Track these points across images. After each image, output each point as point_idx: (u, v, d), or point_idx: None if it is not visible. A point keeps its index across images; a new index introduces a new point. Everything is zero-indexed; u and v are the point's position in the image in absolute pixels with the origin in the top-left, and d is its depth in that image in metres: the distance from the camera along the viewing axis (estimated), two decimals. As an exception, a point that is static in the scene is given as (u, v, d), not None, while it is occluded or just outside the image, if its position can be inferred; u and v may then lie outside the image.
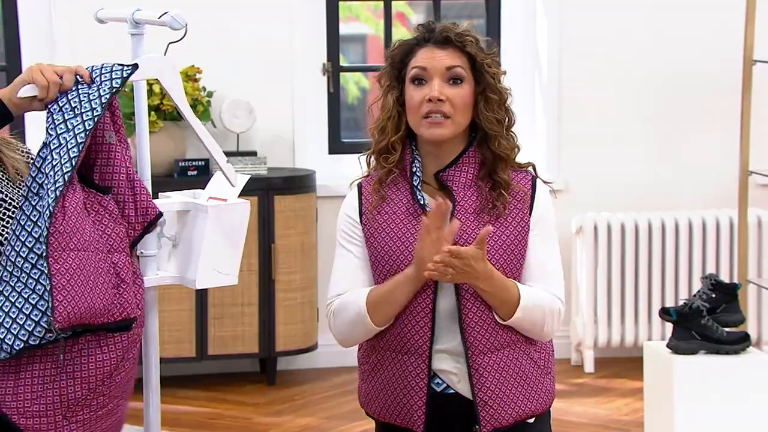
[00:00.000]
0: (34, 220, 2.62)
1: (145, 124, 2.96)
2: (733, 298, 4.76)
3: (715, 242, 6.39)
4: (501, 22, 6.61)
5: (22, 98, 2.66)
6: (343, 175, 6.48)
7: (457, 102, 2.77)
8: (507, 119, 2.84)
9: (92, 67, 2.79)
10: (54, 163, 2.64)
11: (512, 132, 2.86)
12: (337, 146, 6.62)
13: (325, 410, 5.83)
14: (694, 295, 4.79)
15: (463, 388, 2.80)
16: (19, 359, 2.63)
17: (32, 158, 2.83)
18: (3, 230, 2.69)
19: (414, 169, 2.84)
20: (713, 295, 4.72)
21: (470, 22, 2.88)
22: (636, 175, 6.61)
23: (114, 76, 2.76)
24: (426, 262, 2.69)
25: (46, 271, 2.57)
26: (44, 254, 2.58)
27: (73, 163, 2.64)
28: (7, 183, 2.76)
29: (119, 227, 2.73)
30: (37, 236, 2.60)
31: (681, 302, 4.83)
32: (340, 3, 6.59)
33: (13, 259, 2.62)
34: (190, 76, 5.96)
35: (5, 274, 2.63)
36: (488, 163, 2.82)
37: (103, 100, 2.70)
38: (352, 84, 7.20)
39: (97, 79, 2.76)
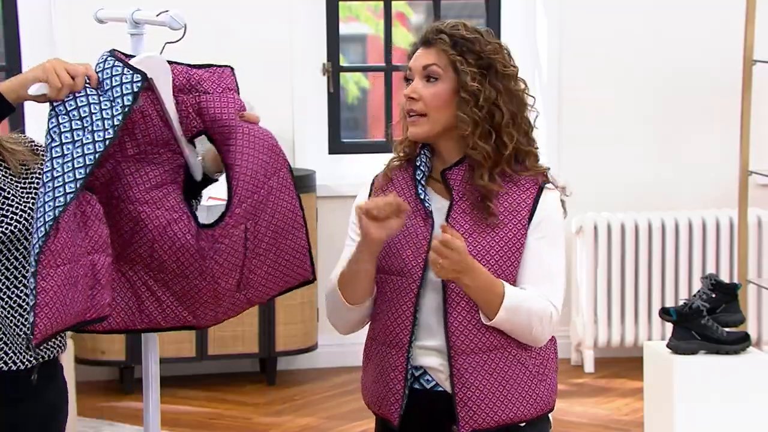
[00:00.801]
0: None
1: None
2: (733, 298, 4.76)
3: (715, 242, 6.39)
4: (501, 22, 6.61)
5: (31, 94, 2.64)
6: (343, 175, 6.49)
7: (430, 100, 2.79)
8: (490, 119, 2.79)
9: (100, 66, 2.76)
10: (56, 175, 2.58)
11: (508, 133, 2.81)
12: (337, 146, 6.62)
13: (325, 410, 5.83)
14: (694, 295, 4.79)
15: (450, 386, 2.81)
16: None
17: (37, 146, 2.83)
18: (7, 228, 2.69)
19: (419, 164, 2.85)
20: (713, 295, 4.72)
21: (463, 21, 2.88)
22: (636, 175, 6.61)
23: (125, 91, 2.72)
24: (368, 228, 2.75)
25: (33, 288, 2.53)
26: (34, 272, 2.53)
27: (78, 185, 2.58)
28: (10, 179, 2.76)
29: (102, 227, 2.70)
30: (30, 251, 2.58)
31: (681, 302, 4.83)
32: (340, 3, 6.59)
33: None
34: (190, 76, 5.96)
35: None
36: (475, 167, 2.81)
37: (116, 122, 2.66)
38: (352, 84, 7.19)
39: (106, 83, 2.73)
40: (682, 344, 4.63)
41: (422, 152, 2.87)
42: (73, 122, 2.65)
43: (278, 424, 5.62)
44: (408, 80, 2.85)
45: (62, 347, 2.81)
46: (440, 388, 2.81)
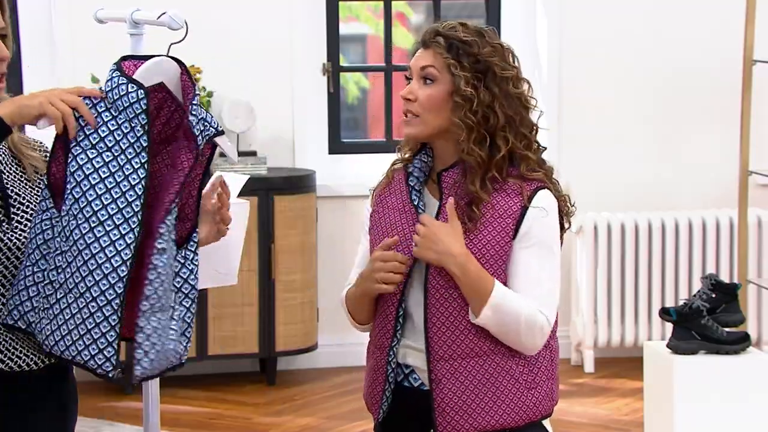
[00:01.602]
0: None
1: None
2: (733, 298, 4.76)
3: (715, 242, 6.39)
4: (501, 22, 6.61)
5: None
6: (343, 175, 6.49)
7: (424, 101, 2.79)
8: (483, 123, 2.76)
9: (109, 85, 2.74)
10: (111, 213, 2.65)
11: (503, 137, 2.76)
12: (337, 146, 6.62)
13: (325, 410, 5.83)
14: (694, 295, 4.78)
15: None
16: None
17: (47, 153, 2.81)
18: (21, 234, 2.68)
19: (415, 164, 2.86)
20: (713, 295, 4.72)
21: (461, 21, 2.88)
22: (636, 175, 6.61)
23: (137, 110, 2.70)
24: (367, 275, 2.79)
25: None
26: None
27: (139, 218, 2.65)
28: (26, 183, 2.75)
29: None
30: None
31: (681, 302, 4.82)
32: (340, 3, 6.59)
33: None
34: (190, 76, 5.96)
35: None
36: (467, 172, 2.79)
37: (144, 143, 2.65)
38: (352, 84, 7.20)
39: (119, 104, 2.71)
40: (682, 344, 4.62)
41: (423, 152, 2.87)
42: (103, 154, 2.67)
43: (278, 424, 5.62)
44: (409, 80, 2.85)
45: None
46: (426, 388, 2.82)
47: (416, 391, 2.83)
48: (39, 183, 2.76)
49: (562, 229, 2.85)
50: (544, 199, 2.79)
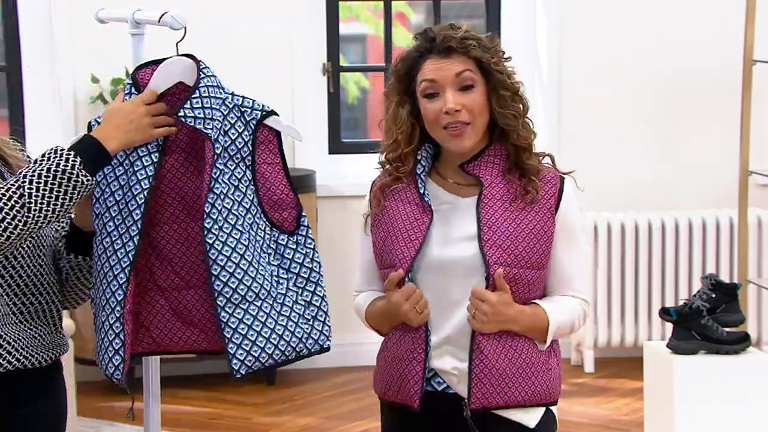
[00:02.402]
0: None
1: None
2: (733, 298, 4.76)
3: (715, 242, 6.39)
4: (501, 22, 6.61)
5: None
6: (343, 175, 6.49)
7: (473, 107, 2.77)
8: (522, 108, 2.83)
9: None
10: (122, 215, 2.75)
11: (527, 119, 2.85)
12: (337, 146, 6.63)
13: (325, 410, 5.83)
14: (694, 295, 4.78)
15: (462, 389, 2.80)
16: None
17: (29, 156, 2.83)
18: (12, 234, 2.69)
19: (419, 158, 2.85)
20: (713, 295, 4.72)
21: (469, 22, 2.86)
22: (636, 175, 6.61)
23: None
24: (398, 308, 2.80)
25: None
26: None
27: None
28: None
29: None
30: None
31: (681, 302, 4.83)
32: (340, 3, 6.59)
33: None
34: (190, 76, 5.97)
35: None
36: (512, 155, 2.83)
37: (150, 173, 2.78)
38: (352, 84, 7.20)
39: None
40: (682, 344, 4.63)
41: (424, 147, 2.86)
42: (115, 169, 2.76)
43: (278, 424, 5.62)
44: (431, 95, 2.80)
45: (66, 347, 2.82)
46: (451, 391, 2.81)
47: (440, 395, 2.82)
48: None
49: None
50: (569, 184, 2.88)
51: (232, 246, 2.72)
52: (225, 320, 2.72)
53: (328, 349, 2.85)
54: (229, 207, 2.75)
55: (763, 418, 4.62)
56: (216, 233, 2.72)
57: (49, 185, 2.55)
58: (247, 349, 2.73)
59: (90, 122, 2.85)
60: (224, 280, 2.71)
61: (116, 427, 5.49)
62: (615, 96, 6.60)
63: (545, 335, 2.80)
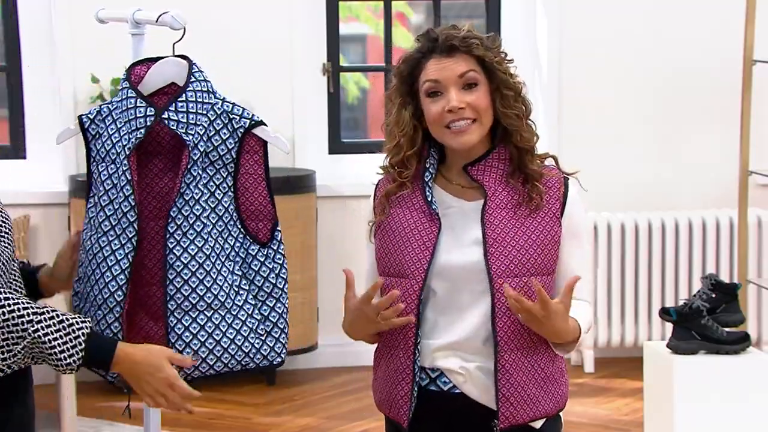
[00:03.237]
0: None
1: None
2: (733, 298, 4.76)
3: (715, 242, 6.39)
4: (501, 22, 6.61)
5: None
6: (343, 175, 6.49)
7: (478, 104, 2.76)
8: (525, 109, 2.83)
9: (119, 97, 2.80)
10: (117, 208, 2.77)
11: (530, 121, 2.84)
12: (337, 146, 6.63)
13: (325, 410, 5.83)
14: (694, 295, 4.78)
15: (470, 389, 2.80)
16: None
17: None
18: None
19: (428, 165, 2.84)
20: (713, 295, 4.72)
21: (471, 22, 2.85)
22: (636, 175, 6.61)
23: (139, 125, 2.77)
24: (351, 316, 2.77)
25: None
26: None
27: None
28: None
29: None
30: None
31: (681, 302, 4.82)
32: (340, 3, 6.59)
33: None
34: (190, 76, 5.97)
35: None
36: (515, 158, 2.82)
37: (131, 145, 2.76)
38: (352, 84, 7.19)
39: (127, 114, 2.78)
40: (682, 344, 4.63)
41: (431, 153, 2.85)
42: (108, 167, 2.76)
43: (278, 424, 5.62)
44: (434, 94, 2.80)
45: None
46: (457, 391, 2.80)
47: (445, 395, 2.81)
48: None
49: None
50: (574, 186, 2.87)
51: (192, 253, 2.73)
52: (172, 325, 2.74)
53: (278, 365, 2.83)
54: (198, 213, 2.75)
55: (763, 418, 4.62)
56: (178, 238, 2.73)
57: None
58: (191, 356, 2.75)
59: (81, 116, 2.84)
60: (177, 286, 2.73)
61: (116, 427, 5.48)
62: (615, 96, 6.60)
63: (574, 345, 2.79)
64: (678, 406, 4.60)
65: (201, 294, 2.74)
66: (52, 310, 2.49)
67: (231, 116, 2.82)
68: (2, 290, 2.48)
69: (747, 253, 5.94)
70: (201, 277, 2.74)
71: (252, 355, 2.79)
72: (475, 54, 2.77)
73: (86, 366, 2.53)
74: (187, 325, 2.74)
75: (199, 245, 2.74)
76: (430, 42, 2.80)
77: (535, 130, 2.85)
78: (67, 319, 2.48)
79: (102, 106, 2.83)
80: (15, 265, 2.67)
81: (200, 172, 2.77)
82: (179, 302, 2.73)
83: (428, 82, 2.79)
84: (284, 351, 2.85)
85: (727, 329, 4.66)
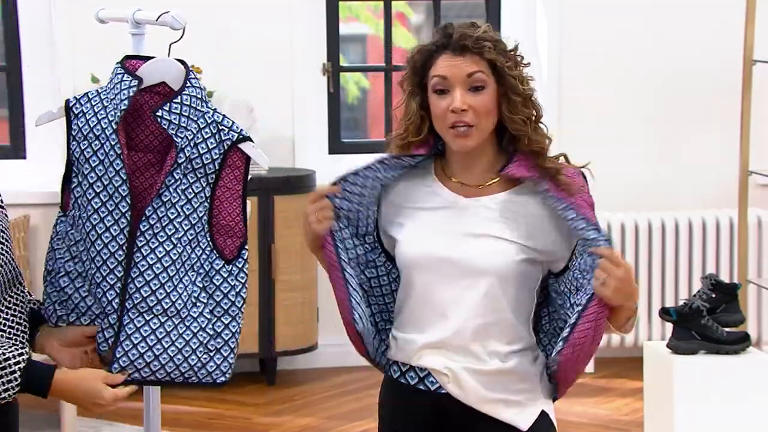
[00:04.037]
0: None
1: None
2: (733, 298, 4.76)
3: (715, 242, 6.39)
4: (501, 22, 6.61)
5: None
6: (343, 175, 6.49)
7: (479, 109, 2.76)
8: (534, 114, 2.82)
9: (112, 74, 2.80)
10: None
11: (541, 124, 2.84)
12: (337, 146, 6.63)
13: (325, 410, 5.83)
14: (694, 295, 4.79)
15: (453, 389, 2.79)
16: None
17: None
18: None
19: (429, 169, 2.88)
20: (713, 295, 4.72)
21: (488, 24, 2.85)
22: (636, 175, 6.61)
23: (123, 96, 2.77)
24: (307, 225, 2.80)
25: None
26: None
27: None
28: None
29: None
30: None
31: (681, 302, 4.83)
32: (340, 3, 6.60)
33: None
34: (190, 76, 5.97)
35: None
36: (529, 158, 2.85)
37: (116, 120, 2.75)
38: (352, 84, 7.20)
39: (115, 89, 2.77)
40: (682, 344, 4.63)
41: (436, 146, 2.87)
42: (98, 152, 2.76)
43: (278, 424, 5.62)
44: (441, 91, 2.79)
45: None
46: (443, 391, 2.81)
47: (432, 394, 2.81)
48: None
49: None
50: (588, 176, 2.93)
51: (159, 256, 2.74)
52: (124, 323, 2.74)
53: (220, 384, 2.82)
54: (172, 217, 2.76)
55: (763, 418, 4.62)
56: (148, 238, 2.74)
57: None
58: (133, 359, 2.74)
59: (68, 100, 2.85)
60: (138, 285, 2.73)
61: (116, 427, 5.48)
62: (615, 96, 6.60)
63: (631, 316, 2.79)
64: (678, 406, 4.60)
65: (159, 298, 2.74)
66: None
67: (220, 127, 2.82)
68: None
69: (747, 253, 5.94)
70: (163, 282, 2.74)
71: (197, 370, 2.77)
72: (487, 57, 2.76)
73: (20, 392, 2.61)
74: (138, 326, 2.74)
75: (167, 249, 2.74)
76: (445, 37, 2.80)
77: (546, 133, 2.84)
78: (3, 354, 2.55)
79: (92, 90, 2.84)
80: (14, 272, 2.71)
81: (181, 177, 2.78)
82: (136, 302, 2.73)
83: (436, 77, 2.79)
84: (230, 371, 2.83)
85: (727, 329, 4.66)
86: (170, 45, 2.86)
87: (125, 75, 2.78)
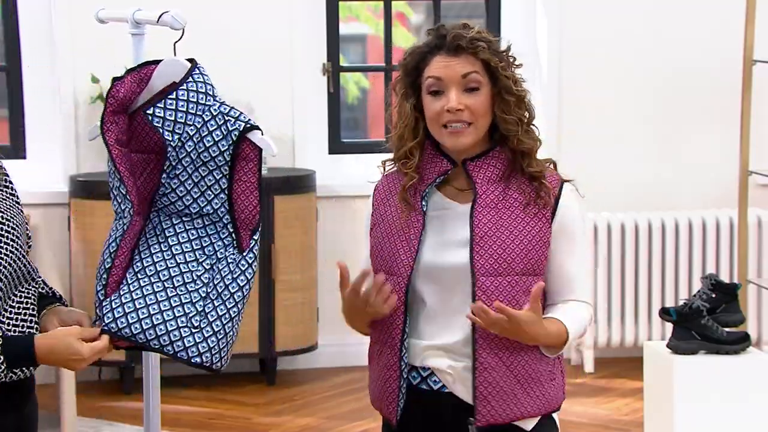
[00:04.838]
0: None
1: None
2: (733, 298, 4.76)
3: (715, 242, 6.39)
4: (501, 22, 6.61)
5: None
6: (343, 175, 6.49)
7: (476, 108, 2.76)
8: (526, 115, 2.82)
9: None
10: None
11: (533, 126, 2.84)
12: (337, 146, 6.63)
13: (325, 410, 5.83)
14: (694, 295, 4.79)
15: (458, 389, 2.80)
16: None
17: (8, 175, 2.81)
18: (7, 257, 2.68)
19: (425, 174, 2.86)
20: (713, 295, 4.72)
21: (481, 24, 2.85)
22: (636, 175, 6.61)
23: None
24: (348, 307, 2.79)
25: None
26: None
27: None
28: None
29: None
30: None
31: (681, 302, 4.83)
32: (340, 3, 6.60)
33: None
34: (190, 76, 5.97)
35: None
36: (511, 160, 2.82)
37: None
38: (352, 84, 7.20)
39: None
40: (682, 344, 4.63)
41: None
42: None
43: (278, 424, 5.62)
44: (435, 92, 2.79)
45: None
46: (446, 390, 2.81)
47: (436, 394, 2.81)
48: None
49: None
50: (568, 188, 2.84)
51: (171, 243, 2.78)
52: (120, 286, 2.74)
53: (195, 365, 2.80)
54: (180, 209, 2.80)
55: (763, 418, 4.62)
56: (174, 222, 2.79)
57: None
58: (117, 315, 2.72)
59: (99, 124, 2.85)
60: (142, 256, 2.76)
61: (116, 427, 5.49)
62: (615, 96, 6.60)
63: (563, 347, 2.80)
64: (678, 406, 4.60)
65: (159, 269, 2.77)
66: None
67: (226, 118, 2.81)
68: None
69: (747, 253, 5.94)
70: (166, 257, 2.78)
71: (173, 339, 2.73)
72: (481, 57, 2.77)
73: (12, 368, 2.62)
74: (132, 288, 2.74)
75: (181, 240, 2.78)
76: (439, 38, 2.80)
77: (537, 136, 2.84)
78: None
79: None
80: (25, 268, 2.72)
81: (193, 171, 2.78)
82: (137, 270, 2.75)
83: (431, 78, 2.79)
84: (208, 354, 2.81)
85: (727, 329, 4.66)
86: (174, 44, 2.86)
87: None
